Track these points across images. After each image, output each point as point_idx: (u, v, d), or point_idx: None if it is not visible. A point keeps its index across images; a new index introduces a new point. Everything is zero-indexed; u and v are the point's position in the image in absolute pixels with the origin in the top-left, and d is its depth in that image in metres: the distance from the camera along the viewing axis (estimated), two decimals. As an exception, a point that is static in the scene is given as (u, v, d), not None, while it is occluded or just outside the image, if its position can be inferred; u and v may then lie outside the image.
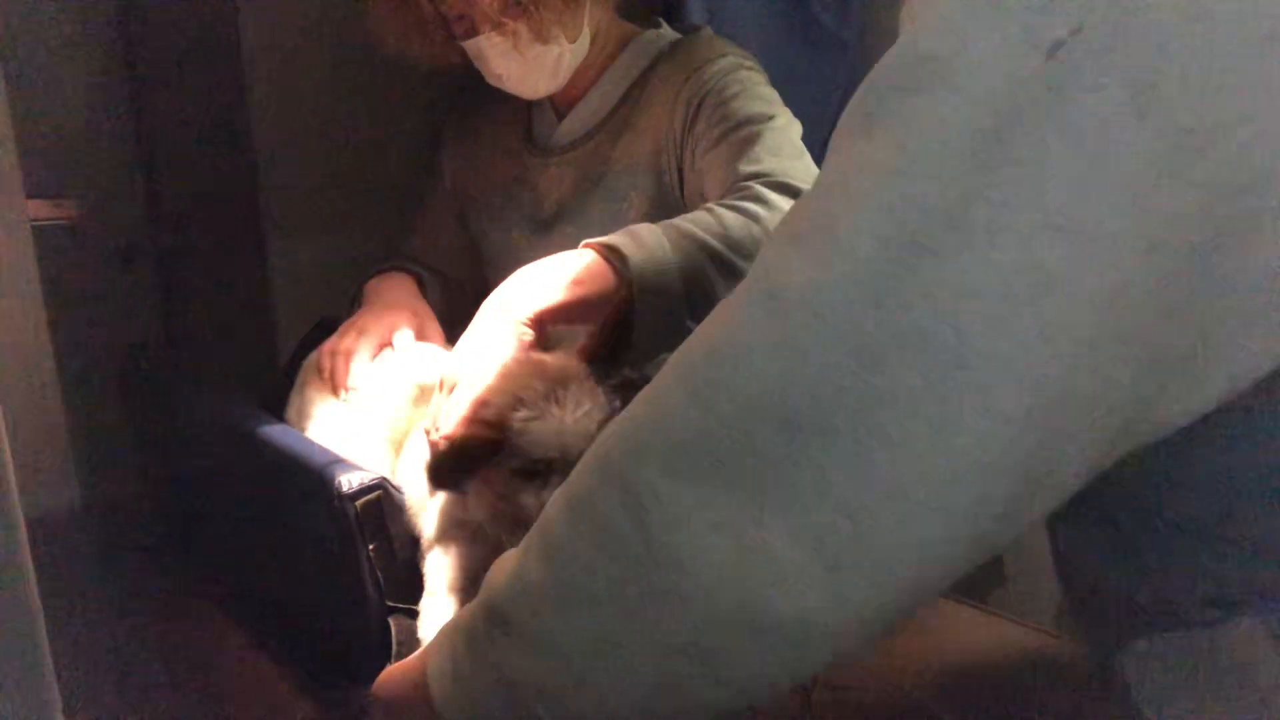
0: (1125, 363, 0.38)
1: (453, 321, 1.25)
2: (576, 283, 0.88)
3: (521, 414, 0.75)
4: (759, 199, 0.95)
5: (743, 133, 1.03)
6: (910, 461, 0.38)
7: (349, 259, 1.43)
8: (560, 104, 1.21)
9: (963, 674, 0.79)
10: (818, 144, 1.12)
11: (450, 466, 0.76)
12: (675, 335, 0.93)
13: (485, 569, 0.83)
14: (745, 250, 0.92)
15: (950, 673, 0.78)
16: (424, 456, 0.86)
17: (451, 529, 0.84)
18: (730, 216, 0.94)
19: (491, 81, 1.14)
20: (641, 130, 1.13)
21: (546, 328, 0.87)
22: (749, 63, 1.13)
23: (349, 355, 1.05)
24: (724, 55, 1.12)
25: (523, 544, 0.53)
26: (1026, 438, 0.38)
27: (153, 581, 1.06)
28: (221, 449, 1.03)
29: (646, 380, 1.21)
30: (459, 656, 0.56)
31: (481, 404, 0.78)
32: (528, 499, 0.78)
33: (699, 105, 1.08)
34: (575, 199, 1.17)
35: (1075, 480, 0.42)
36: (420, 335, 1.10)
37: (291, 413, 1.08)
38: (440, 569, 0.83)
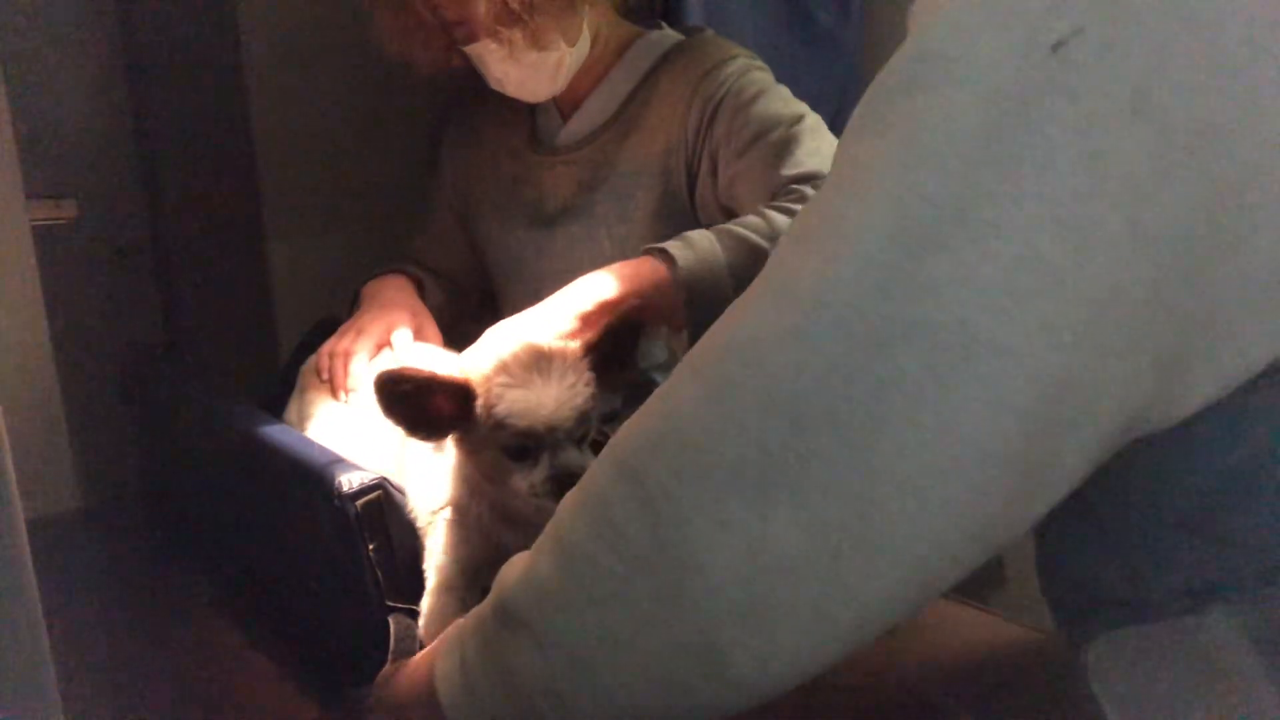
0: (1124, 356, 0.39)
1: (455, 322, 1.25)
2: (634, 282, 0.94)
3: (502, 379, 0.76)
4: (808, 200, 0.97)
5: (775, 136, 1.04)
6: (915, 451, 0.39)
7: (349, 259, 1.43)
8: (564, 104, 1.21)
9: (963, 673, 0.79)
10: (818, 144, 1.12)
11: (400, 393, 0.75)
12: None
13: (485, 567, 0.84)
14: None
15: (950, 671, 0.79)
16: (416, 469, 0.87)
17: (452, 528, 0.84)
18: (780, 219, 0.97)
19: (493, 85, 1.15)
20: (650, 131, 1.13)
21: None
22: (758, 63, 1.13)
23: (348, 356, 1.05)
24: (734, 57, 1.12)
25: (536, 544, 0.53)
26: (1029, 428, 0.39)
27: (153, 581, 1.06)
28: (222, 449, 1.03)
29: (651, 382, 1.22)
30: (468, 658, 0.56)
31: (464, 359, 0.79)
32: (518, 482, 0.78)
33: (716, 109, 1.09)
34: (580, 198, 1.18)
35: (1074, 473, 0.42)
36: (418, 335, 1.11)
37: (292, 415, 1.08)
38: (440, 568, 0.83)
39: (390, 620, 0.79)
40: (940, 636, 0.80)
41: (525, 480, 0.78)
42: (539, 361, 0.77)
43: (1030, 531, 0.56)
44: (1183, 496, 0.47)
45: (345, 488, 0.77)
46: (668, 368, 1.20)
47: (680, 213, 1.13)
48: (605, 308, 0.92)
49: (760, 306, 0.43)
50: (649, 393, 1.28)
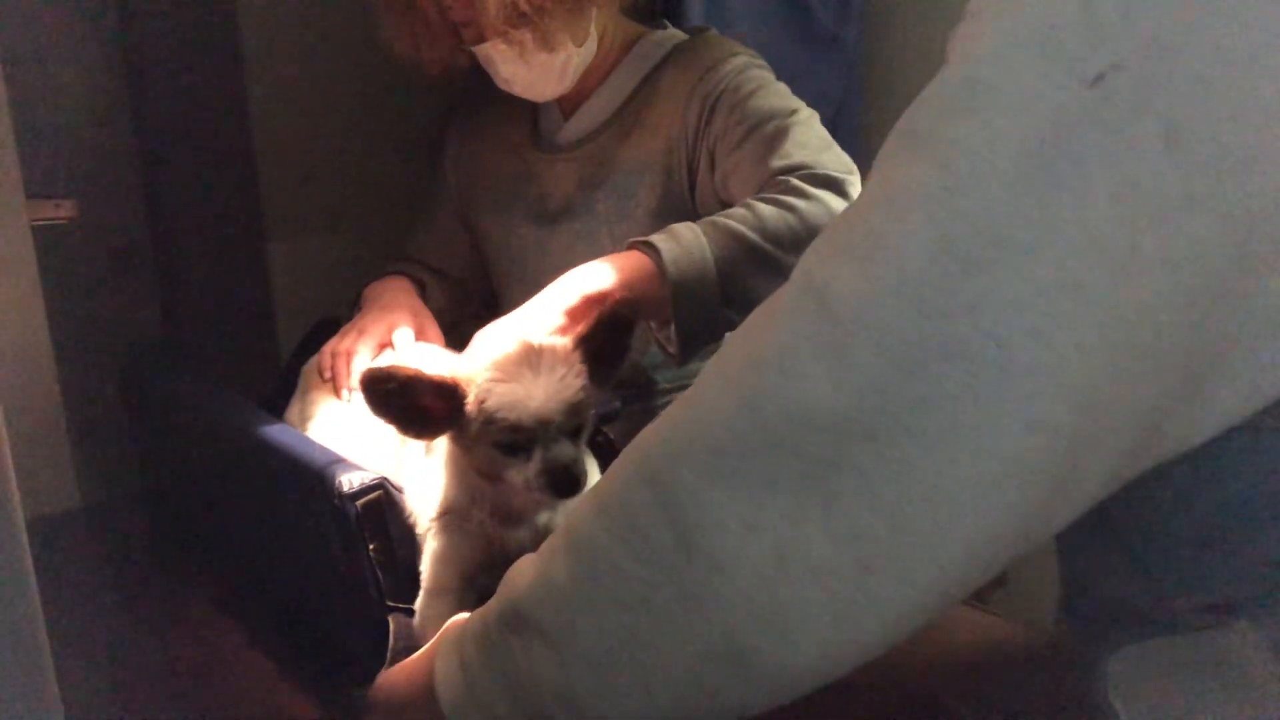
0: (1152, 377, 0.41)
1: (457, 322, 1.25)
2: (621, 275, 0.94)
3: (490, 374, 0.76)
4: (796, 191, 0.98)
5: (767, 129, 1.04)
6: (950, 465, 0.40)
7: (349, 259, 1.43)
8: (566, 102, 1.21)
9: (963, 673, 0.79)
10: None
11: (385, 390, 0.76)
12: (713, 326, 0.96)
13: (482, 567, 0.84)
14: (782, 241, 0.95)
15: (950, 671, 0.79)
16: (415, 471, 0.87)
17: (449, 530, 0.84)
18: (767, 210, 0.96)
19: (500, 85, 1.15)
20: (652, 128, 1.13)
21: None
22: (759, 61, 1.14)
23: (350, 355, 1.05)
24: (735, 54, 1.12)
25: (546, 545, 0.53)
26: (1060, 445, 0.40)
27: (153, 581, 1.06)
28: (221, 449, 1.03)
29: (650, 381, 1.22)
30: (469, 660, 0.56)
31: (457, 360, 0.79)
32: (512, 475, 0.78)
33: (714, 104, 1.09)
34: (581, 196, 1.18)
35: (1098, 490, 0.43)
36: (420, 336, 1.11)
37: (293, 415, 1.08)
38: (436, 570, 0.83)
39: (390, 620, 0.79)
40: (940, 636, 0.80)
41: (520, 475, 0.78)
42: (528, 356, 0.77)
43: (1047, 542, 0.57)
44: (1207, 515, 0.48)
45: (345, 488, 0.77)
46: (667, 367, 1.20)
47: (682, 210, 1.13)
48: (591, 301, 0.91)
49: (796, 317, 0.44)
50: (649, 393, 1.28)
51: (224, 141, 1.36)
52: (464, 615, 0.62)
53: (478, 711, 0.55)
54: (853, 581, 0.42)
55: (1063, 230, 0.39)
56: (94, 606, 0.99)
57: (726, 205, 1.09)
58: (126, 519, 1.22)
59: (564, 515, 0.85)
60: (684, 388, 1.18)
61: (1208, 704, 0.49)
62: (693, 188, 1.12)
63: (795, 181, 0.98)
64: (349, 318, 1.16)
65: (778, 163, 1.01)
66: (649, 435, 0.49)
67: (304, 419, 1.05)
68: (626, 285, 0.93)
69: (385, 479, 0.80)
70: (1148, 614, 0.52)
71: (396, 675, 0.68)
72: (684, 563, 0.44)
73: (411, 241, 1.33)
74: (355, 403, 1.02)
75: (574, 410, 0.77)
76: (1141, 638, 0.52)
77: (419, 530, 0.86)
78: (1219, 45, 0.39)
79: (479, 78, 1.16)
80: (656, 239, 0.95)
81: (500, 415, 0.76)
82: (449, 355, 1.06)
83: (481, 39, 1.08)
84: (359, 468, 0.80)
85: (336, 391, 1.04)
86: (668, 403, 1.19)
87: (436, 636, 0.65)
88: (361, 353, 1.06)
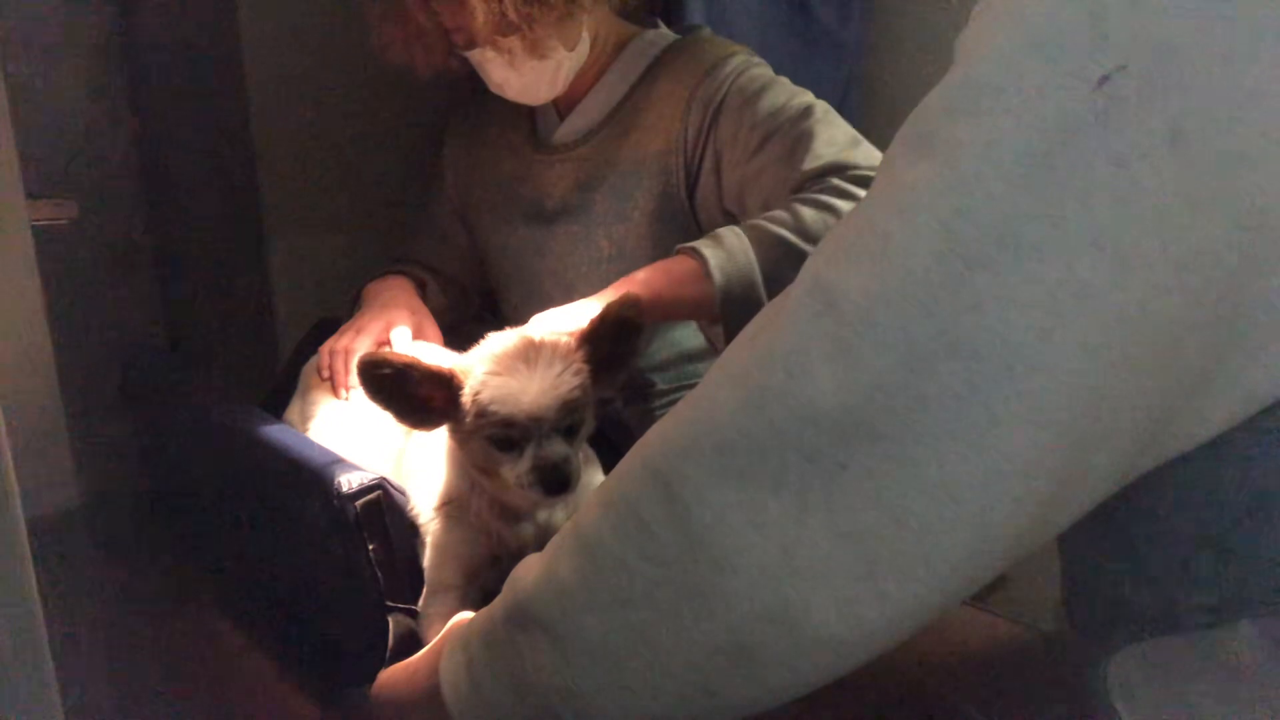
0: (1155, 375, 0.41)
1: (457, 322, 1.25)
2: (675, 281, 0.96)
3: (486, 367, 0.76)
4: (837, 192, 0.98)
5: (788, 131, 1.04)
6: (955, 463, 0.40)
7: (349, 259, 1.43)
8: (562, 103, 1.21)
9: (962, 672, 0.79)
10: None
11: (383, 377, 0.76)
12: None
13: (484, 567, 0.84)
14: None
15: (950, 671, 0.79)
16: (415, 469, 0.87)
17: (451, 526, 0.84)
18: (808, 212, 0.97)
19: (493, 89, 1.15)
20: (648, 130, 1.13)
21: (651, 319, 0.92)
22: (757, 59, 1.13)
23: (348, 354, 1.05)
24: (733, 54, 1.12)
25: (552, 543, 0.54)
26: (1065, 443, 0.40)
27: (153, 581, 1.06)
28: (221, 449, 1.03)
29: (649, 383, 1.21)
30: (475, 658, 0.56)
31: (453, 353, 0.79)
32: (506, 471, 0.78)
33: (719, 108, 1.08)
34: (578, 197, 1.18)
35: (1102, 488, 0.44)
36: (418, 334, 1.11)
37: (294, 415, 1.08)
38: (439, 567, 0.83)
39: (390, 620, 0.79)
40: (940, 636, 0.80)
41: (511, 472, 0.78)
42: (525, 351, 0.77)
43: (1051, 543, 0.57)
44: (1210, 515, 0.48)
45: (345, 488, 0.77)
46: (665, 367, 1.20)
47: (679, 212, 1.13)
48: (647, 303, 0.90)
49: (803, 317, 0.44)
50: (648, 394, 1.27)
51: (224, 141, 1.36)
52: (467, 614, 0.62)
53: (483, 710, 0.55)
54: (858, 579, 0.42)
55: (1067, 230, 0.39)
56: (94, 606, 0.99)
57: (731, 214, 1.09)
58: (126, 519, 1.22)
59: (565, 512, 0.85)
60: (683, 388, 1.19)
61: (1209, 704, 0.49)
62: (691, 191, 1.12)
63: (836, 182, 0.98)
64: (349, 318, 1.16)
65: (811, 164, 1.00)
66: (656, 433, 0.49)
67: (304, 419, 1.05)
68: (676, 288, 0.95)
69: (385, 479, 0.80)
70: (1149, 614, 0.52)
71: (400, 674, 0.68)
72: (690, 561, 0.45)
73: (411, 242, 1.33)
74: (354, 401, 1.02)
75: (569, 408, 0.77)
76: (1142, 637, 0.52)
77: (421, 522, 0.86)
78: (1224, 47, 0.39)
79: (476, 79, 1.16)
80: (702, 245, 0.96)
81: (493, 409, 0.76)
82: (448, 354, 1.06)
83: (472, 45, 1.08)
84: (359, 468, 0.80)
85: (335, 390, 1.04)
86: (667, 403, 1.19)
87: (440, 635, 0.65)
88: (359, 351, 1.06)
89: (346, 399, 1.03)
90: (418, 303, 1.18)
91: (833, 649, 0.44)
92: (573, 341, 0.80)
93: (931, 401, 0.40)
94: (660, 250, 1.13)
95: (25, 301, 1.09)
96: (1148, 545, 0.51)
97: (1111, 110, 0.39)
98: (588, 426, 0.82)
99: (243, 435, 0.94)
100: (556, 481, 0.77)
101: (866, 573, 0.42)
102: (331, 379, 1.05)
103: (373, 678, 0.72)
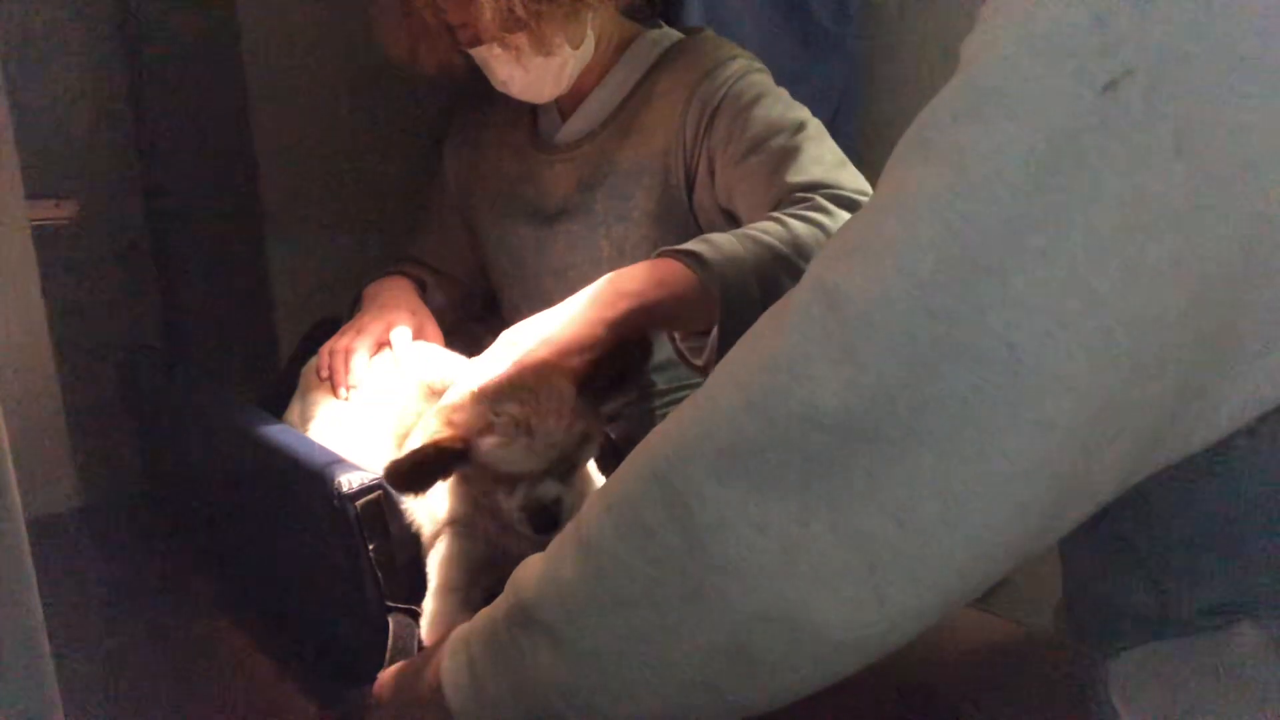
0: (1160, 380, 0.41)
1: (458, 323, 1.25)
2: (662, 284, 0.89)
3: (489, 439, 0.76)
4: (822, 209, 0.97)
5: (776, 143, 1.03)
6: (958, 466, 0.40)
7: (349, 259, 1.43)
8: (564, 102, 1.21)
9: (962, 672, 0.79)
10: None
11: (411, 474, 0.77)
12: None
13: (488, 568, 0.84)
14: (811, 258, 0.94)
15: (949, 671, 0.79)
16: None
17: (458, 534, 0.85)
18: (799, 226, 0.95)
19: (497, 87, 1.15)
20: (650, 130, 1.13)
21: (636, 328, 0.86)
22: (757, 65, 1.13)
23: (348, 353, 1.05)
24: (734, 57, 1.12)
25: (554, 544, 0.54)
26: (1069, 447, 0.40)
27: (153, 581, 1.06)
28: (221, 449, 1.03)
29: (649, 383, 1.21)
30: (476, 659, 0.56)
31: (455, 411, 0.78)
32: (502, 500, 0.79)
33: (715, 110, 1.08)
34: (579, 197, 1.18)
35: (1106, 492, 0.44)
36: (419, 335, 1.11)
37: (294, 416, 1.08)
38: (443, 568, 0.83)
39: (390, 620, 0.79)
40: (940, 636, 0.80)
41: (506, 504, 0.79)
42: (530, 416, 0.76)
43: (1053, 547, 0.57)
44: (1212, 519, 0.49)
45: (345, 488, 0.77)
46: (665, 368, 1.20)
47: (679, 213, 1.13)
48: (636, 312, 0.87)
49: (807, 319, 0.44)
50: (648, 394, 1.27)
51: (224, 141, 1.36)
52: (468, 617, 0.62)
53: (485, 710, 0.55)
54: (861, 582, 0.42)
55: (1072, 235, 0.39)
56: (94, 606, 0.99)
57: (729, 214, 1.09)
58: (126, 519, 1.22)
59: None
60: (683, 388, 1.19)
61: (1210, 706, 0.49)
62: (690, 191, 1.12)
63: (820, 199, 0.98)
64: (349, 318, 1.16)
65: (796, 178, 1.00)
66: (658, 435, 0.49)
67: (304, 419, 1.05)
68: (666, 292, 0.88)
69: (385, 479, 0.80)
70: (1151, 617, 0.52)
71: (400, 674, 0.68)
72: (691, 562, 0.45)
73: (412, 242, 1.33)
74: (354, 400, 1.02)
75: (568, 457, 0.78)
76: (1144, 639, 0.52)
77: (425, 534, 0.86)
78: (1231, 52, 0.39)
79: (478, 78, 1.16)
80: (698, 248, 0.90)
81: (497, 467, 0.77)
82: (450, 355, 1.07)
83: (478, 42, 1.08)
84: (359, 468, 0.80)
85: (334, 390, 1.04)
86: (668, 403, 1.19)
87: (441, 636, 0.66)
88: (359, 351, 1.06)
89: (346, 399, 1.03)
90: (418, 303, 1.18)
91: (834, 651, 0.45)
92: (573, 389, 0.78)
93: (935, 405, 0.40)
94: None
95: (25, 301, 1.10)
96: (1150, 548, 0.51)
97: (1117, 116, 0.39)
98: (588, 457, 0.82)
99: (243, 435, 0.94)
100: (545, 521, 0.78)
101: (868, 575, 0.42)
102: (331, 379, 1.05)
103: (373, 678, 0.72)
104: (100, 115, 1.28)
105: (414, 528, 0.85)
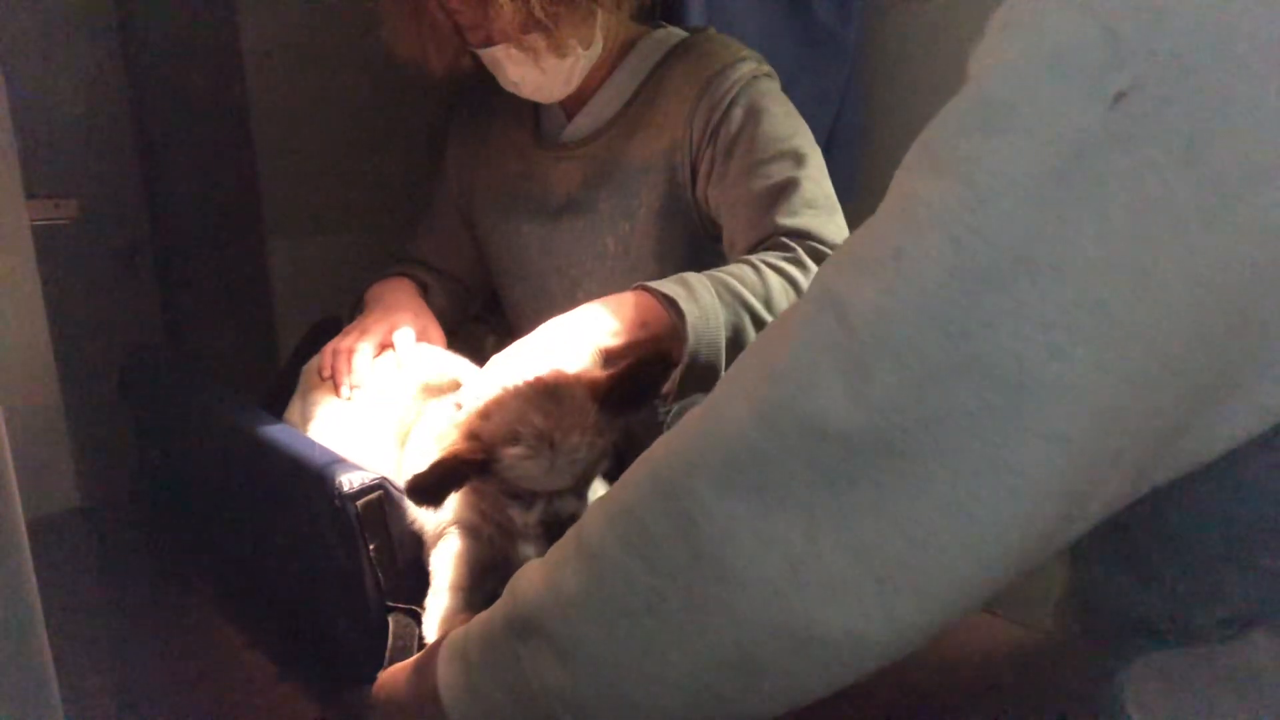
0: (1170, 392, 0.41)
1: (459, 324, 1.25)
2: (643, 325, 0.95)
3: (514, 450, 0.75)
4: (799, 264, 1.01)
5: (776, 172, 1.05)
6: (967, 478, 0.40)
7: (349, 259, 1.43)
8: (568, 102, 1.21)
9: (963, 673, 0.79)
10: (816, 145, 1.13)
11: (431, 487, 0.75)
12: (709, 386, 0.96)
13: (487, 567, 0.84)
14: (779, 312, 0.99)
15: (950, 671, 0.78)
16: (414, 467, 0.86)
17: (454, 527, 0.84)
18: (774, 280, 1.00)
19: (507, 87, 1.15)
20: (655, 128, 1.14)
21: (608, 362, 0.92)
22: (766, 68, 1.14)
23: (351, 353, 1.05)
24: (742, 59, 1.12)
25: (553, 553, 0.54)
26: (1078, 459, 0.40)
27: (152, 581, 1.06)
28: (222, 449, 1.03)
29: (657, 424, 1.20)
30: (474, 665, 0.56)
31: (477, 421, 0.78)
32: (515, 514, 0.79)
33: (724, 114, 1.09)
34: (584, 194, 1.18)
35: (1113, 502, 0.44)
36: (421, 337, 1.11)
37: (294, 416, 1.08)
38: (447, 566, 0.83)
39: (390, 620, 0.79)
40: (949, 639, 0.80)
41: (520, 519, 0.78)
42: (554, 430, 0.75)
43: (1065, 557, 0.56)
44: (1227, 530, 0.48)
45: (345, 488, 0.77)
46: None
47: (683, 210, 1.13)
48: (629, 348, 0.92)
49: (814, 331, 0.44)
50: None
51: (224, 141, 1.36)
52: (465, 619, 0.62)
53: (483, 717, 0.55)
54: (867, 595, 0.42)
55: (1082, 248, 0.39)
56: (94, 606, 0.99)
57: (714, 221, 1.11)
58: (126, 519, 1.22)
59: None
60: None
61: (1228, 715, 0.49)
62: (695, 189, 1.13)
63: (800, 252, 1.01)
64: (349, 318, 1.16)
65: (785, 221, 1.03)
66: (663, 446, 0.49)
67: (304, 419, 1.05)
68: (644, 329, 0.95)
69: (385, 479, 0.80)
70: (1164, 627, 0.52)
71: (399, 675, 0.68)
72: (695, 574, 0.44)
73: (413, 243, 1.33)
74: (356, 399, 1.02)
75: (587, 473, 0.78)
76: (1157, 648, 0.52)
77: (427, 533, 0.86)
78: (1240, 63, 0.39)
79: (480, 77, 1.16)
80: (677, 296, 0.96)
81: (518, 483, 0.76)
82: (452, 357, 1.06)
83: (489, 42, 1.08)
84: (359, 468, 0.80)
85: (336, 389, 1.04)
86: (668, 405, 1.19)
87: (439, 641, 0.65)
88: (363, 351, 1.06)
89: (349, 398, 1.03)
90: (421, 305, 1.18)
91: (838, 662, 0.44)
92: (594, 404, 0.78)
93: (944, 418, 0.40)
94: (665, 247, 1.14)
95: (25, 301, 1.09)
96: (1164, 559, 0.51)
97: (1127, 128, 0.39)
98: (603, 469, 0.82)
99: (243, 435, 0.94)
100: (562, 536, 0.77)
101: (874, 588, 0.42)
102: (334, 378, 1.05)
103: (373, 678, 0.72)
104: (100, 115, 1.28)
105: (415, 526, 0.85)
